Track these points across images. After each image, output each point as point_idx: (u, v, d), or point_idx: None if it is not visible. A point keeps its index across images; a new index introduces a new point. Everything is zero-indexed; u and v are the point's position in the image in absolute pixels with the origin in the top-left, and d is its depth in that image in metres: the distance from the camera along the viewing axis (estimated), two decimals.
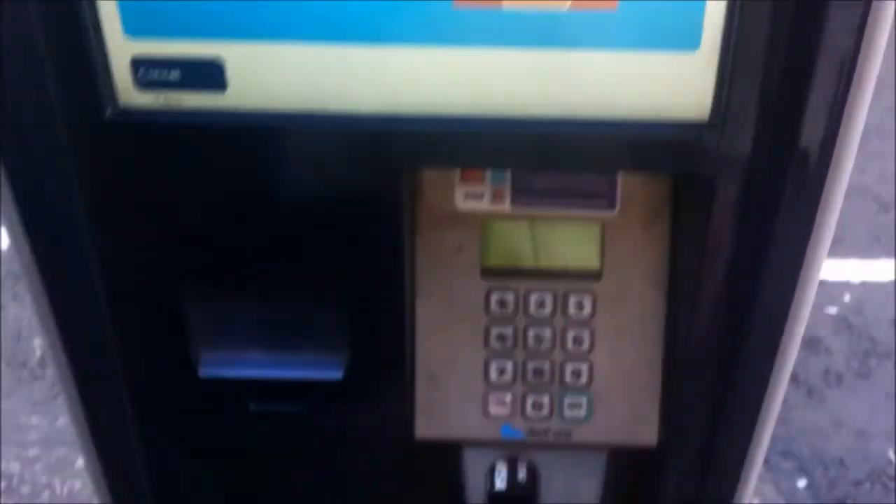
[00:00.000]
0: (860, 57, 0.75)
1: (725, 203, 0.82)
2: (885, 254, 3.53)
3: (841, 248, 3.47)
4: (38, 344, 2.98)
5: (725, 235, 0.84)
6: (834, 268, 3.42)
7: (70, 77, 0.75)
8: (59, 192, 0.80)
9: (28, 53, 0.73)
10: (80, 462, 2.58)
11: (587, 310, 0.96)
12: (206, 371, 0.92)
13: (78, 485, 2.55)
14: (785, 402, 2.92)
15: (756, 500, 2.67)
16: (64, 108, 0.76)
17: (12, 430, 2.68)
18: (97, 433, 0.95)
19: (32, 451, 2.63)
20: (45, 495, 2.51)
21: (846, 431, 2.85)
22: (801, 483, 2.73)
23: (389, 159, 0.81)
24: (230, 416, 0.95)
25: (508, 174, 0.91)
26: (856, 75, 0.76)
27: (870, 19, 0.74)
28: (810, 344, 3.10)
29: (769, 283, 0.87)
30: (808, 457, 2.77)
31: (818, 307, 3.22)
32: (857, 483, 2.72)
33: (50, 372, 2.88)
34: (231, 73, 0.77)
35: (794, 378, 2.98)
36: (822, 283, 3.46)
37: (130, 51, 0.76)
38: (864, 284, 3.37)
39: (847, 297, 3.29)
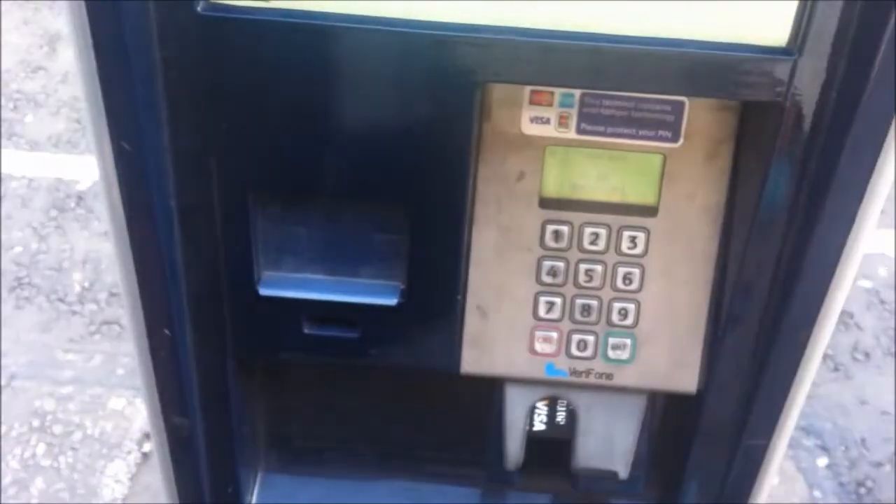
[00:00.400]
0: None
1: (792, 135, 0.84)
2: None
3: (881, 219, 3.44)
4: (77, 279, 3.02)
5: (787, 171, 0.86)
6: (872, 239, 3.39)
7: None
8: (145, 88, 0.83)
9: None
10: (112, 403, 2.62)
11: (640, 247, 0.98)
12: (267, 289, 0.95)
13: (109, 426, 2.59)
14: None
15: (776, 478, 2.69)
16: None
17: (48, 367, 2.72)
18: (155, 346, 0.98)
19: (66, 389, 2.66)
20: (77, 436, 2.55)
21: (870, 410, 2.85)
22: (822, 462, 2.74)
23: (463, 72, 0.82)
24: (286, 337, 0.98)
25: (576, 99, 0.93)
26: None
27: None
28: (841, 318, 3.09)
29: (822, 229, 0.88)
30: (830, 434, 2.78)
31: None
32: (878, 464, 2.73)
33: (88, 308, 2.92)
34: None
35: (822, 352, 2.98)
36: None
37: None
38: None
39: (882, 272, 3.27)
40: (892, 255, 3.34)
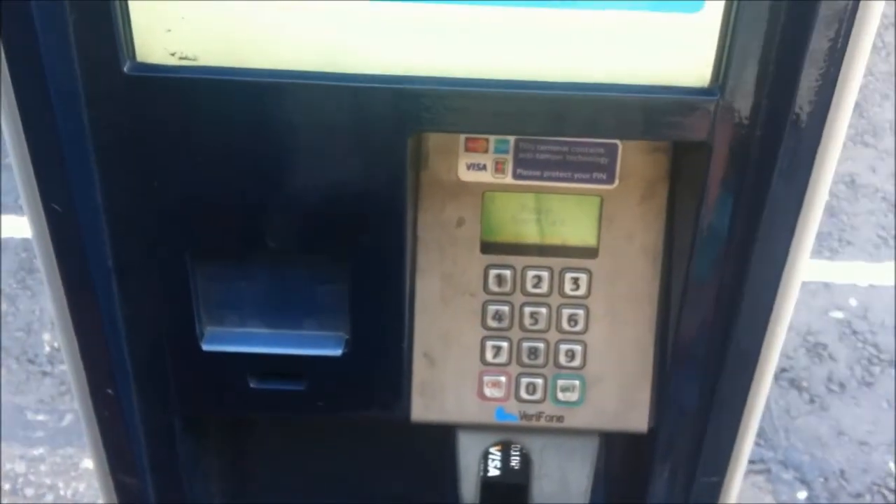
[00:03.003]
0: (855, 25, 0.78)
1: (721, 172, 0.85)
2: (893, 256, 3.51)
3: (849, 250, 3.47)
4: (48, 339, 3.00)
5: (719, 207, 0.87)
6: (841, 270, 3.41)
7: (90, 31, 0.78)
8: (74, 150, 0.83)
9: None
10: (84, 463, 2.59)
11: (583, 288, 0.98)
12: (210, 345, 0.94)
13: (82, 487, 2.56)
14: (787, 411, 2.94)
15: None
16: (83, 61, 0.79)
17: (19, 428, 2.69)
18: (99, 406, 0.97)
19: (37, 451, 2.64)
20: (49, 498, 2.52)
21: (847, 441, 2.85)
22: (802, 495, 2.73)
23: (393, 123, 0.83)
24: (231, 392, 0.98)
25: (511, 145, 0.94)
26: (850, 44, 0.80)
27: None
28: (814, 350, 3.10)
29: (758, 261, 0.89)
30: (809, 467, 2.77)
31: (823, 311, 3.23)
32: (858, 495, 2.72)
33: (59, 368, 2.90)
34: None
35: (798, 385, 2.99)
36: (829, 286, 3.49)
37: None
38: (871, 288, 3.36)
39: (853, 301, 3.29)
40: (863, 285, 3.36)
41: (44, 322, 3.05)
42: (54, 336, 3.00)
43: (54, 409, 2.78)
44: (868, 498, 2.71)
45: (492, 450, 1.08)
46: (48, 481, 2.56)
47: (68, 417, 2.74)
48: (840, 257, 3.45)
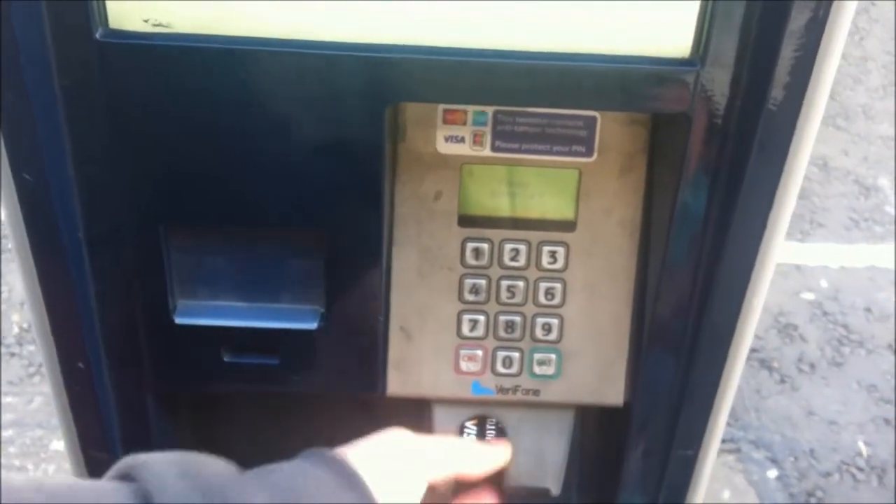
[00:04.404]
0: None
1: (700, 145, 0.85)
2: (864, 239, 3.56)
3: (821, 232, 3.51)
4: (17, 320, 2.97)
5: (698, 180, 0.87)
6: (813, 252, 3.45)
7: None
8: (45, 118, 0.81)
9: None
10: (54, 445, 2.58)
11: (560, 262, 0.98)
12: (183, 318, 0.93)
13: (52, 468, 2.54)
14: (758, 391, 2.97)
15: (727, 492, 2.71)
16: (54, 28, 0.78)
17: None
18: (70, 380, 0.96)
19: (7, 433, 2.61)
20: None
21: (817, 421, 2.89)
22: (772, 474, 2.76)
23: (370, 92, 0.82)
24: (205, 367, 0.97)
25: (489, 117, 0.93)
26: (830, 18, 0.80)
27: None
28: (785, 331, 3.14)
29: (735, 236, 0.89)
30: (779, 447, 2.80)
31: (794, 292, 3.26)
32: (827, 474, 2.76)
33: (27, 350, 2.88)
34: None
35: (768, 365, 3.02)
36: (800, 268, 3.52)
37: None
38: (842, 270, 3.40)
39: (824, 283, 3.32)
40: (834, 267, 3.39)
41: (12, 303, 3.02)
42: (23, 317, 2.97)
43: (23, 391, 2.76)
44: (837, 477, 2.75)
45: (467, 423, 1.08)
46: (17, 463, 2.54)
47: (37, 400, 2.72)
48: (812, 239, 3.49)
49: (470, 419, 1.08)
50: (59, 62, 0.80)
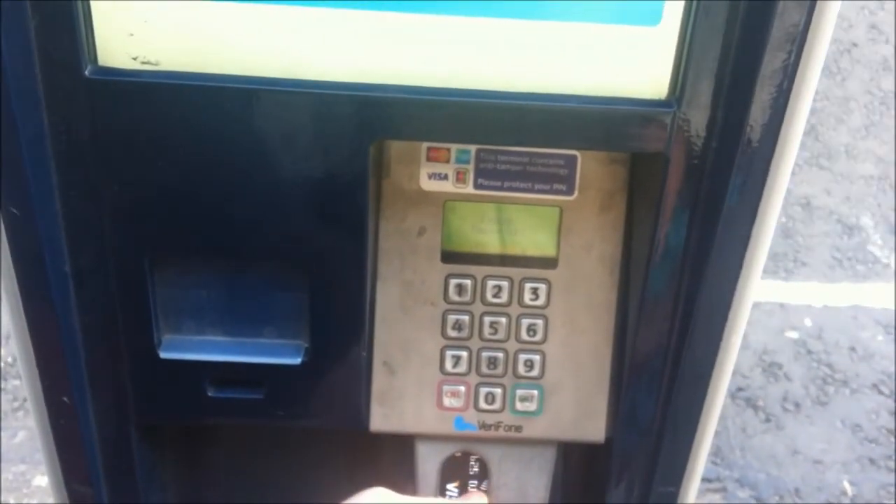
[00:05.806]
0: (809, 38, 0.81)
1: (678, 183, 0.86)
2: (847, 278, 3.58)
3: (804, 271, 3.53)
4: (2, 354, 2.95)
5: (676, 218, 0.88)
6: (796, 290, 3.47)
7: (51, 33, 0.78)
8: (34, 153, 0.82)
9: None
10: (37, 481, 2.56)
11: (542, 298, 0.99)
12: (168, 353, 0.94)
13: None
14: (743, 429, 2.97)
15: None
16: (44, 64, 0.79)
17: None
18: (55, 414, 0.96)
19: None
20: None
21: (802, 459, 2.89)
22: None
23: (355, 130, 0.83)
24: (189, 401, 0.97)
25: (472, 155, 0.95)
26: (804, 55, 0.82)
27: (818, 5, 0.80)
28: (770, 369, 3.14)
29: (713, 272, 0.91)
30: (764, 485, 2.80)
31: (779, 331, 3.27)
32: None
33: (12, 384, 2.86)
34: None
35: (753, 404, 3.02)
36: (784, 307, 3.54)
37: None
38: (825, 308, 3.42)
39: (808, 322, 3.34)
40: (818, 306, 3.41)
41: None
42: (8, 351, 2.96)
43: (8, 425, 2.74)
44: None
45: (449, 486, 1.09)
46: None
47: (21, 434, 2.70)
48: (795, 278, 3.51)
49: (452, 456, 1.08)
50: (48, 98, 0.81)
